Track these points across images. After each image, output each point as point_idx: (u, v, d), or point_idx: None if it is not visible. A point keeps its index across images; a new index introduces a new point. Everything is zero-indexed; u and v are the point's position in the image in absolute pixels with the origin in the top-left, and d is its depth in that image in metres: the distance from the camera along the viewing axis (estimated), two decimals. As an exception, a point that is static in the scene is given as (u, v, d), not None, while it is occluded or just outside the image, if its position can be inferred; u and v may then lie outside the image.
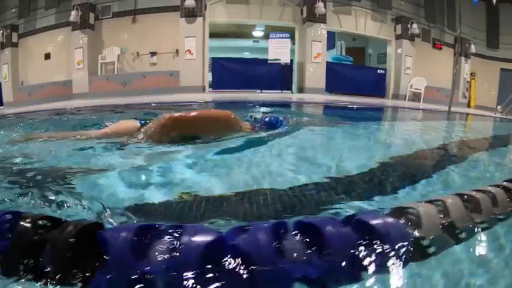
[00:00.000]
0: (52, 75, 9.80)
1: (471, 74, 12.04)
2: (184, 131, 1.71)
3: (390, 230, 0.70)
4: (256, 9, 9.13)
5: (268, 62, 8.51)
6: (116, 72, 9.21)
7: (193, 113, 1.78)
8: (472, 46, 11.54)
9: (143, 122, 1.96)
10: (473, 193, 0.93)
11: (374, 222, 0.70)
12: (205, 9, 8.80)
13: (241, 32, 12.20)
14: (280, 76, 8.54)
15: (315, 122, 2.87)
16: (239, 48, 12.25)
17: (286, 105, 6.57)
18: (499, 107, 10.17)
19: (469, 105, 11.94)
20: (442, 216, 0.80)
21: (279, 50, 8.43)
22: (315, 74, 9.04)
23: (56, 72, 9.77)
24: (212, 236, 0.60)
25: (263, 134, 2.01)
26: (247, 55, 12.39)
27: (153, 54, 9.15)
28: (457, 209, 0.84)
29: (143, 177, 1.37)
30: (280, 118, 2.28)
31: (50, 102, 7.96)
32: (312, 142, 2.22)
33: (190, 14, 8.59)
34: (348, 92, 9.49)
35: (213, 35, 11.24)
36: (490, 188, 0.98)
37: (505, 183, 1.04)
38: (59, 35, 9.93)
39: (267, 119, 2.17)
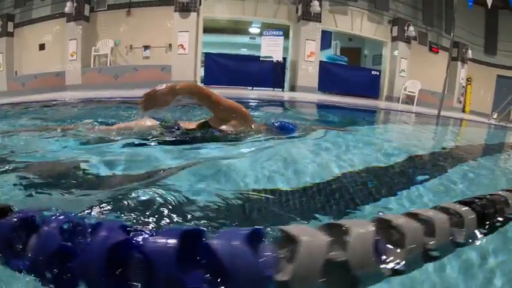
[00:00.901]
0: (46, 65, 9.80)
1: (467, 79, 11.99)
2: (198, 99, 1.87)
3: (238, 265, 0.47)
4: (252, 6, 9.10)
5: (261, 59, 8.49)
6: (108, 64, 9.20)
7: (216, 94, 1.93)
8: (469, 51, 11.48)
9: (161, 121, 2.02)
10: (400, 220, 0.65)
11: (220, 249, 0.48)
12: (200, 4, 8.78)
13: (238, 28, 12.17)
14: (272, 74, 8.52)
15: (320, 127, 2.87)
16: (236, 44, 12.22)
17: (275, 104, 6.53)
18: (494, 113, 10.11)
19: (464, 111, 11.90)
20: (332, 251, 0.53)
21: (271, 47, 8.41)
22: (308, 73, 9.01)
23: (50, 63, 9.76)
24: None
25: (284, 136, 2.08)
26: (244, 51, 12.36)
27: (146, 47, 9.14)
28: (360, 243, 0.55)
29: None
30: (292, 123, 2.31)
31: (43, 93, 7.95)
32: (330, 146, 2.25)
33: (184, 9, 8.58)
34: (341, 92, 9.46)
35: (211, 30, 11.23)
36: (430, 213, 0.72)
37: (457, 206, 0.79)
38: (53, 26, 9.92)
39: (277, 124, 2.20)
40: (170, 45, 8.91)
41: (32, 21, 10.22)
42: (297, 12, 9.21)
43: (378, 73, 10.16)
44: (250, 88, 8.37)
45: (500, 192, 1.02)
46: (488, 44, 12.37)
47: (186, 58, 8.63)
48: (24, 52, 10.32)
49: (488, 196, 0.96)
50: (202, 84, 9.06)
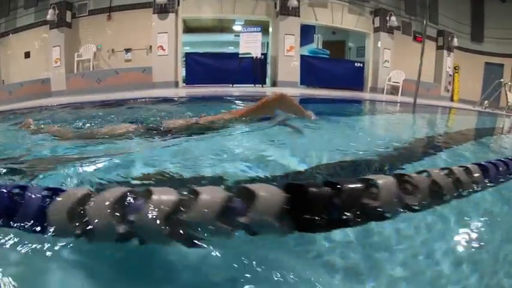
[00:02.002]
0: (32, 73, 9.91)
1: (454, 68, 11.92)
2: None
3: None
4: (230, 4, 9.12)
5: (239, 55, 8.51)
6: (91, 69, 9.29)
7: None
8: (455, 39, 11.42)
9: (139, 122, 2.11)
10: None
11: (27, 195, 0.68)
12: (178, 5, 8.83)
13: (223, 26, 12.20)
14: (252, 70, 8.53)
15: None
16: (222, 42, 12.21)
17: (256, 99, 6.52)
18: (485, 101, 10.02)
19: (452, 99, 11.84)
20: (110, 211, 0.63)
21: (250, 44, 8.43)
22: (288, 68, 9.01)
23: (36, 71, 9.87)
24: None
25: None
26: (231, 49, 12.37)
27: (127, 50, 9.21)
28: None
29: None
30: None
31: (29, 100, 8.05)
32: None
33: (163, 10, 8.63)
34: (324, 85, 9.44)
35: (196, 30, 11.29)
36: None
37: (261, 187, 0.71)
38: (37, 34, 10.01)
39: None
40: (150, 47, 8.98)
41: (16, 30, 10.32)
42: (275, 7, 9.23)
43: (361, 65, 10.13)
44: (231, 85, 8.40)
45: (370, 176, 0.75)
46: (475, 31, 12.29)
47: (166, 59, 8.69)
48: (10, 61, 10.44)
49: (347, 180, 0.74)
50: (184, 84, 9.13)
